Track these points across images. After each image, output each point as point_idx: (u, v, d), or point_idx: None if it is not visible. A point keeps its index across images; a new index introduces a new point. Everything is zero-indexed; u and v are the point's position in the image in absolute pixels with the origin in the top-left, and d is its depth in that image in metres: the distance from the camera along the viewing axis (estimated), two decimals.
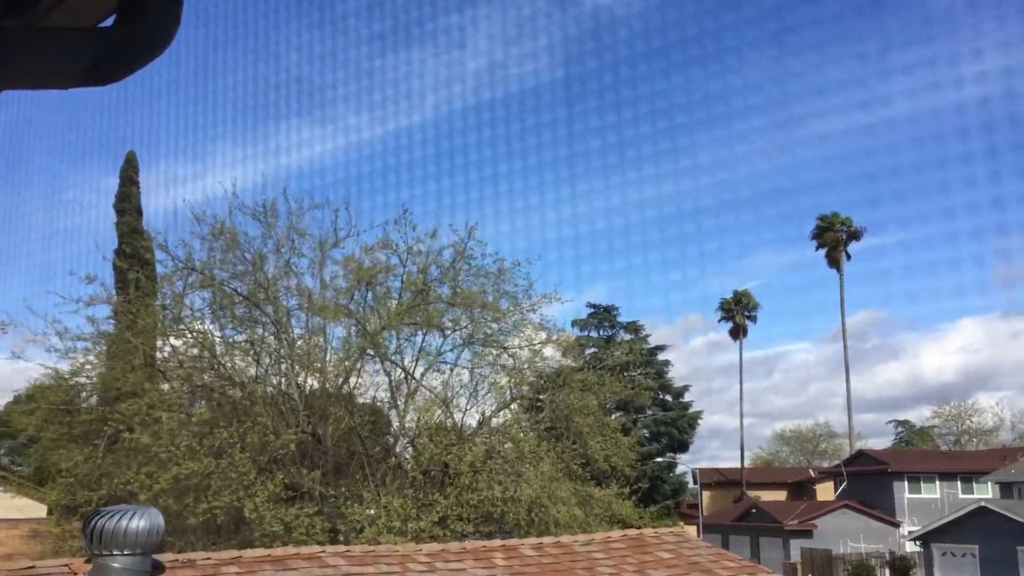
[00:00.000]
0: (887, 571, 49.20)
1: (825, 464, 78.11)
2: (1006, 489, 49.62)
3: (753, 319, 73.38)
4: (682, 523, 53.93)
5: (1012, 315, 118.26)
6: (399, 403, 22.45)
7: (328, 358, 22.31)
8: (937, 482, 57.38)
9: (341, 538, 18.69)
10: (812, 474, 68.94)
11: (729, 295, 73.15)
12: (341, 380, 22.02)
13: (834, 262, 73.46)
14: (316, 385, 21.98)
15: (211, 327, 22.39)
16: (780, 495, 66.44)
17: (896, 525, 54.46)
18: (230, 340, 22.15)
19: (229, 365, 21.72)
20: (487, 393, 23.05)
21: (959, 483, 56.73)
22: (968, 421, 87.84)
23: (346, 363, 22.01)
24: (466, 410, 23.04)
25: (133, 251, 29.94)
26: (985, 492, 51.99)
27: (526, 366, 23.32)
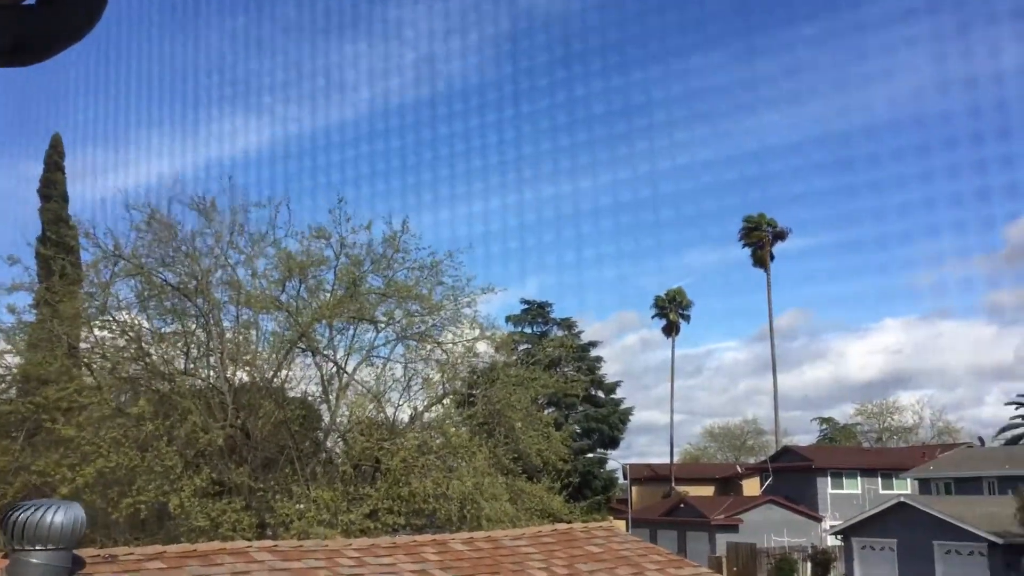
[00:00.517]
0: (808, 564, 50.30)
1: (752, 460, 79.43)
2: (924, 485, 51.14)
3: (687, 317, 74.47)
4: (612, 518, 54.38)
5: (932, 317, 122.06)
6: (331, 397, 22.25)
7: (259, 351, 22.00)
8: (859, 478, 58.81)
9: (269, 532, 18.45)
10: (739, 470, 70.08)
11: (663, 293, 74.35)
12: (271, 374, 21.74)
13: (760, 262, 74.97)
14: (246, 379, 21.66)
15: (139, 317, 21.92)
16: (708, 490, 67.46)
17: (819, 520, 55.71)
18: (158, 331, 21.71)
19: (156, 357, 21.28)
20: (420, 388, 22.99)
21: (880, 479, 58.24)
22: (889, 419, 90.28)
23: (276, 356, 21.73)
24: (399, 405, 22.95)
25: (58, 238, 29.16)
26: (904, 488, 53.46)
27: (459, 361, 23.29)
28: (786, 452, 65.49)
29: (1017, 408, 73.18)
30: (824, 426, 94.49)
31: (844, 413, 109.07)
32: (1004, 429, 73.08)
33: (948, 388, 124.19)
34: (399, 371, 22.92)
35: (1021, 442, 63.41)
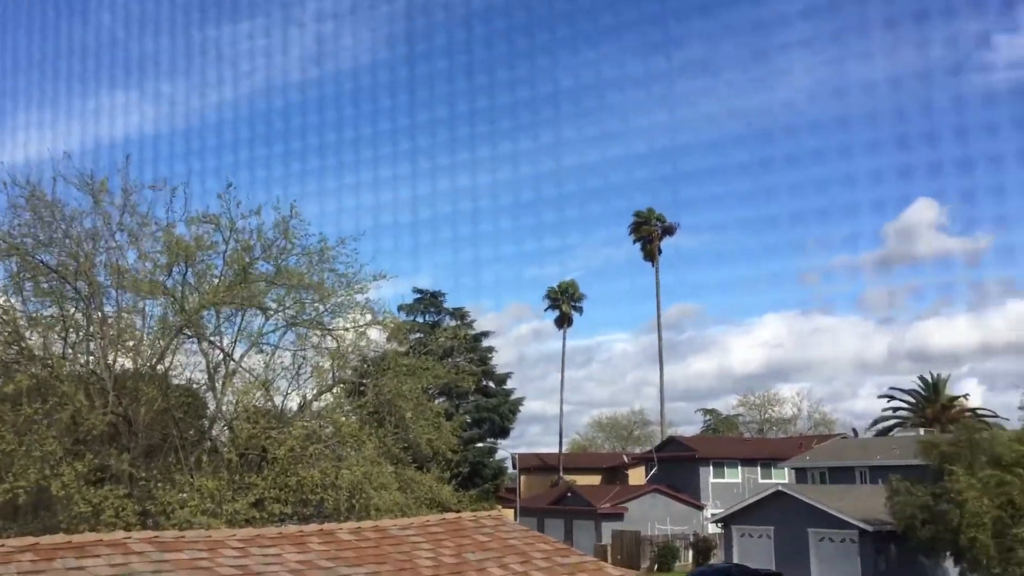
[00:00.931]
0: (690, 552, 51.70)
1: (638, 450, 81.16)
2: (801, 474, 53.10)
3: (579, 309, 75.41)
4: (500, 507, 54.77)
5: (812, 313, 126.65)
6: (217, 385, 21.75)
7: (142, 337, 21.34)
8: (739, 468, 60.68)
9: (151, 522, 17.95)
10: (625, 459, 71.44)
11: (556, 285, 75.06)
12: (155, 360, 21.12)
13: (650, 256, 76.47)
14: (128, 365, 20.99)
15: (14, 300, 20.98)
16: (595, 480, 68.59)
17: (701, 508, 57.27)
18: (34, 315, 20.83)
19: (32, 341, 20.43)
20: (310, 376, 22.68)
21: (759, 469, 60.20)
22: (770, 411, 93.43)
23: (161, 342, 21.12)
24: (287, 393, 22.59)
25: None
26: (782, 477, 55.42)
27: (350, 349, 23.06)
28: (671, 442, 67.05)
29: (888, 401, 76.58)
30: (708, 417, 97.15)
31: (727, 404, 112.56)
32: (876, 421, 76.44)
33: (825, 381, 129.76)
34: (288, 359, 22.57)
35: (892, 433, 66.36)
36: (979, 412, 70.04)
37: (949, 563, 34.54)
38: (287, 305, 22.52)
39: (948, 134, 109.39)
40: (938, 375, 74.27)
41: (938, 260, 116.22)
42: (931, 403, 71.74)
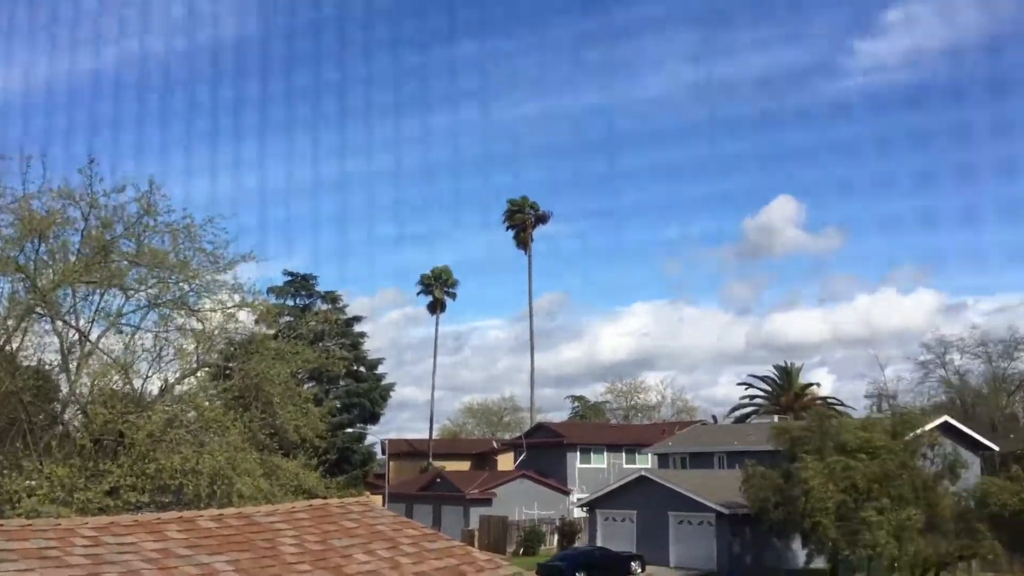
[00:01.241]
0: (556, 536, 52.47)
1: (508, 436, 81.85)
2: (663, 460, 54.54)
3: (452, 295, 75.29)
4: (368, 493, 54.33)
5: (677, 303, 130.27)
6: (71, 367, 20.72)
7: None
8: (605, 453, 61.88)
9: None
10: (495, 445, 71.82)
11: (429, 271, 74.67)
12: (3, 340, 19.95)
13: (523, 244, 77.02)
14: None
15: None
16: (464, 465, 68.75)
17: (567, 493, 58.15)
18: None
19: None
20: (172, 359, 21.87)
21: (624, 454, 61.53)
22: (636, 398, 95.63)
23: (10, 321, 19.97)
24: (148, 376, 21.72)
25: None
26: (646, 463, 56.81)
27: (216, 331, 22.35)
28: (540, 428, 67.78)
29: (746, 389, 79.63)
30: (576, 404, 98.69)
31: (595, 392, 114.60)
32: (734, 408, 79.33)
33: (688, 370, 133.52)
34: (150, 341, 21.69)
35: (749, 420, 68.81)
36: (829, 400, 73.46)
37: (798, 544, 36.08)
38: (149, 284, 21.64)
39: (809, 135, 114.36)
40: (792, 364, 77.70)
41: (794, 255, 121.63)
42: (785, 391, 74.86)
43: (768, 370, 79.08)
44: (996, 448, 46.69)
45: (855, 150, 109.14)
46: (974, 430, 46.64)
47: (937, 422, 40.77)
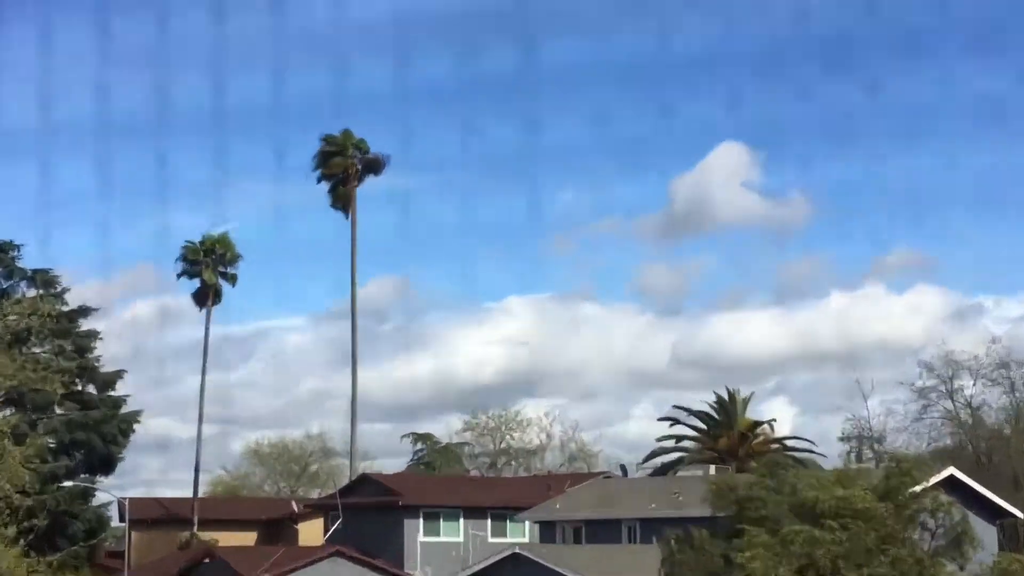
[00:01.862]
0: None
1: (316, 493, 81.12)
2: (548, 530, 54.83)
3: (231, 279, 73.86)
4: None
5: (573, 298, 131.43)
6: None
7: None
8: (462, 520, 61.84)
9: None
10: (296, 508, 70.79)
11: (197, 241, 72.91)
12: None
13: (343, 203, 75.55)
14: None
15: None
16: (249, 538, 67.59)
17: None
18: None
19: None
20: None
21: (490, 521, 61.61)
22: (508, 438, 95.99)
23: None
24: None
25: None
26: (522, 534, 57.01)
27: None
28: (365, 482, 67.16)
29: (671, 426, 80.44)
30: (420, 446, 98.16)
31: (449, 428, 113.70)
32: (654, 454, 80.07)
33: (585, 397, 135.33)
34: None
35: (674, 471, 69.59)
36: (788, 444, 75.27)
37: None
38: None
39: (766, 47, 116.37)
40: (736, 391, 79.07)
41: (743, 231, 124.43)
42: (727, 430, 76.13)
43: (702, 399, 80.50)
44: (1021, 515, 48.75)
45: (832, 73, 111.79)
46: (990, 488, 48.21)
47: (940, 476, 42.00)
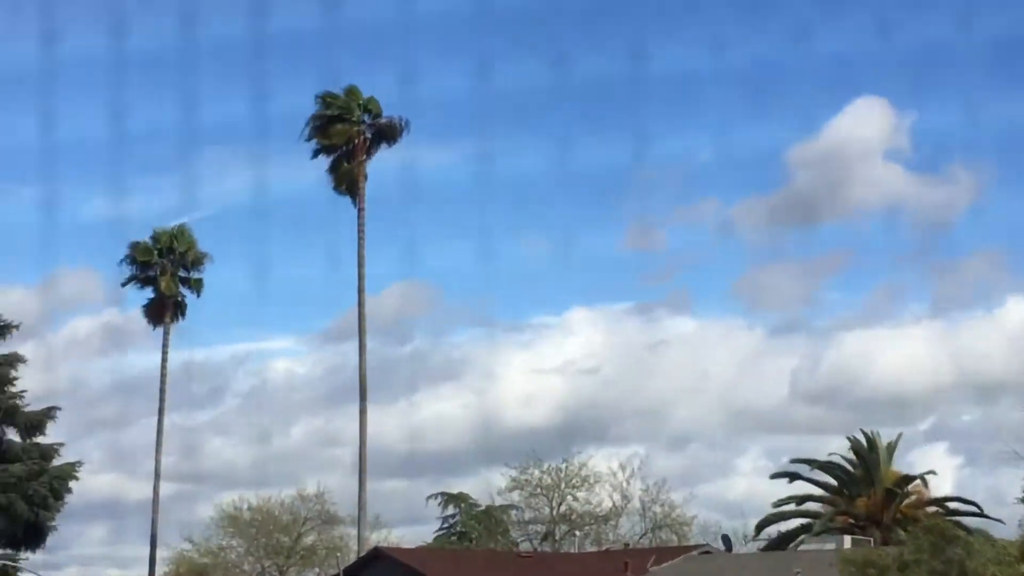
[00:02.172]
0: None
1: (313, 573, 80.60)
2: None
3: (196, 286, 73.78)
4: None
5: (653, 308, 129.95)
6: None
7: None
8: None
9: None
10: None
11: (149, 237, 72.97)
12: None
13: (348, 183, 74.98)
14: None
15: None
16: None
17: None
18: None
19: None
20: None
21: None
22: (571, 498, 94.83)
23: None
24: None
25: None
26: None
27: None
28: (378, 559, 66.87)
29: (789, 482, 79.26)
30: (451, 509, 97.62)
31: (489, 485, 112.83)
32: (767, 522, 79.10)
33: (675, 443, 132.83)
34: None
35: (797, 544, 68.67)
36: (950, 505, 73.91)
37: None
38: None
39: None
40: (878, 435, 77.72)
41: (886, 218, 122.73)
42: (867, 488, 74.88)
43: (833, 446, 79.41)
44: None
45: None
46: None
47: None
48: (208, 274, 74.13)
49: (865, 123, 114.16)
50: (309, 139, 75.54)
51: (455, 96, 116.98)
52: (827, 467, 77.46)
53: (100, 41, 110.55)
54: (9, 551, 62.71)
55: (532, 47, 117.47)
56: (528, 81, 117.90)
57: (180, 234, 73.14)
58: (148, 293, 73.49)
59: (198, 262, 73.55)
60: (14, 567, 62.50)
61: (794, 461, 79.42)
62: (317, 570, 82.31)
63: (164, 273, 72.73)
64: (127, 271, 73.42)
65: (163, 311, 73.09)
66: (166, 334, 73.42)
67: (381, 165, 77.15)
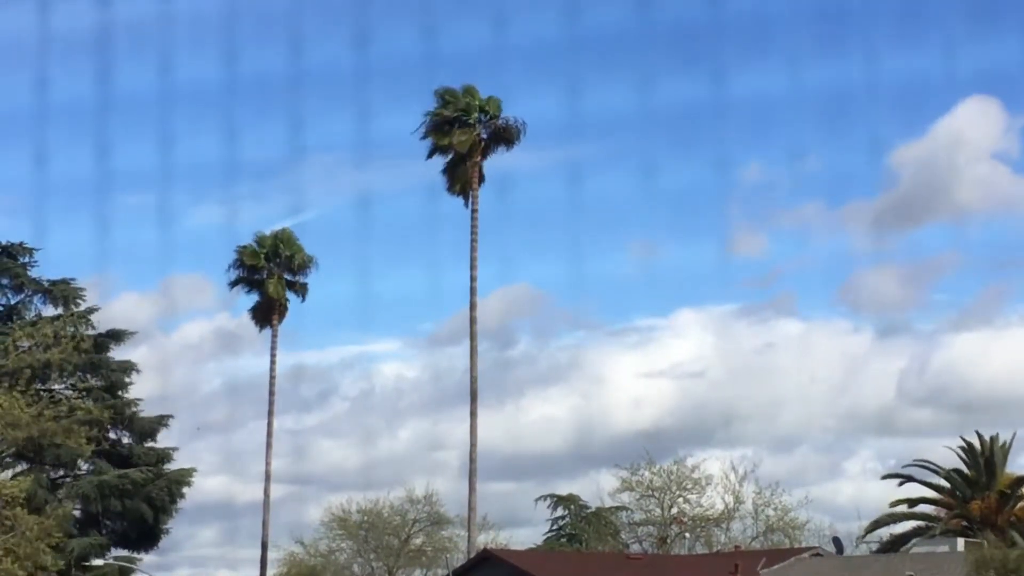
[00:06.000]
0: None
1: (423, 575, 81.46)
2: None
3: (301, 290, 75.32)
4: None
5: (760, 309, 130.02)
6: None
7: None
8: None
9: None
10: None
11: (254, 241, 74.38)
12: None
13: (461, 185, 74.74)
14: None
15: None
16: None
17: None
18: None
19: None
20: None
21: None
22: (682, 500, 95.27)
23: None
24: None
25: None
26: None
27: None
28: (488, 561, 67.40)
29: (901, 485, 79.52)
30: (561, 511, 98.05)
31: (599, 487, 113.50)
32: (878, 524, 79.34)
33: (783, 446, 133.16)
34: None
35: (909, 546, 68.77)
36: None
37: None
38: None
39: None
40: (994, 438, 77.72)
41: (998, 220, 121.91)
42: (981, 490, 75.03)
43: (946, 448, 79.44)
44: None
45: None
46: None
47: None
48: (312, 278, 74.89)
49: (975, 124, 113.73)
50: (424, 137, 74.62)
51: (549, 112, 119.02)
52: (940, 470, 77.73)
53: (211, 66, 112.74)
54: (126, 554, 63.70)
55: (623, 67, 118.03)
56: (620, 100, 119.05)
57: (284, 238, 73.79)
58: (253, 297, 74.36)
59: (303, 266, 74.31)
60: (130, 569, 63.46)
61: (907, 464, 79.50)
62: (426, 572, 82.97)
63: (271, 276, 73.32)
64: (234, 274, 74.29)
65: (270, 314, 73.76)
66: (274, 337, 74.27)
67: (498, 166, 77.08)
